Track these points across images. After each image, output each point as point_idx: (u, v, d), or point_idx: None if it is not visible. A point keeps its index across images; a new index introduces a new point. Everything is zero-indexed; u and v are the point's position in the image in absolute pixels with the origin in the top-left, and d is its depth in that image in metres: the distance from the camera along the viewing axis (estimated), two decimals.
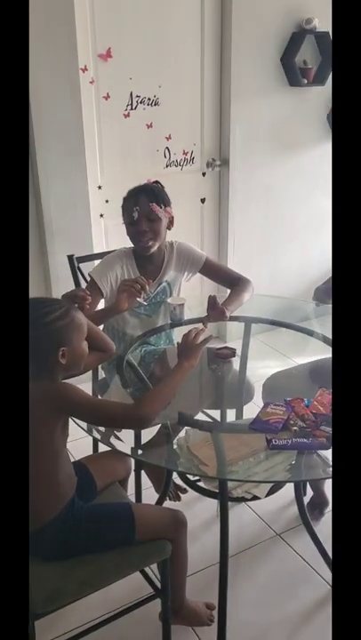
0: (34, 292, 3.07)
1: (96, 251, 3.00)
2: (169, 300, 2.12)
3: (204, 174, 3.44)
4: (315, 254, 3.87)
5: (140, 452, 1.78)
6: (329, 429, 1.48)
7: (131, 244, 2.18)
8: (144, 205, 2.07)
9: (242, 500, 1.83)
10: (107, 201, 3.12)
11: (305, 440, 1.47)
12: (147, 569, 1.78)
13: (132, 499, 2.23)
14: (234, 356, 2.04)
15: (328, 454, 1.57)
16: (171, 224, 2.17)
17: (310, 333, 2.15)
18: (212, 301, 2.00)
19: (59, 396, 1.46)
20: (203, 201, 3.49)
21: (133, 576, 1.67)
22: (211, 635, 1.84)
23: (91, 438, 2.10)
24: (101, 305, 2.16)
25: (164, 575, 1.67)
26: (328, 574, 2.08)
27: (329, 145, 3.68)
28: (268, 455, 1.55)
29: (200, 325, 1.83)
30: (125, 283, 1.94)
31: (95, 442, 2.34)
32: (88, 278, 2.18)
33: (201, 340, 1.67)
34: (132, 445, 1.78)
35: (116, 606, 1.80)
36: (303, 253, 3.85)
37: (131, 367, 2.00)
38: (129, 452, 1.79)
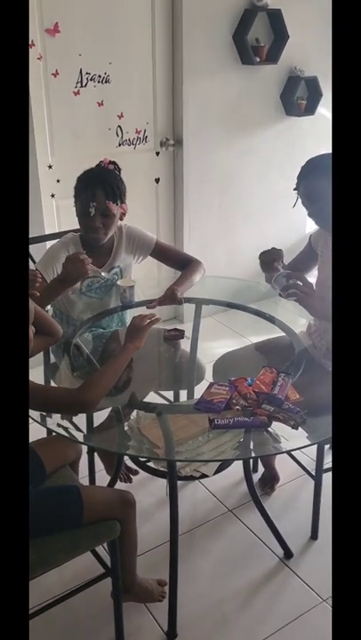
0: None
1: (48, 231, 2.97)
2: (118, 282, 2.12)
3: (157, 154, 3.41)
4: (271, 234, 3.89)
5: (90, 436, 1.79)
6: (270, 407, 1.52)
7: (78, 233, 2.16)
8: (101, 202, 2.04)
9: (190, 478, 1.86)
10: (58, 180, 3.07)
11: (246, 419, 1.50)
12: (98, 548, 1.80)
13: (85, 481, 2.25)
14: (182, 338, 2.06)
15: (278, 430, 1.61)
16: (123, 215, 2.16)
17: (262, 315, 2.17)
18: (169, 293, 2.03)
19: None
20: (157, 181, 3.47)
21: (85, 556, 1.70)
22: (163, 611, 1.88)
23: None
24: None
25: (113, 555, 1.69)
26: (277, 547, 2.14)
27: (282, 124, 3.70)
28: (216, 434, 1.58)
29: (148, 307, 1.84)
30: (69, 260, 1.93)
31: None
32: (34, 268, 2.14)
33: (147, 323, 1.68)
34: (84, 430, 1.79)
35: (69, 586, 1.82)
36: (259, 234, 3.87)
37: (79, 350, 2.00)
38: (81, 438, 1.80)
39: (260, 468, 2.47)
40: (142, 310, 2.10)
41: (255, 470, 2.49)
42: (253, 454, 1.88)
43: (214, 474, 1.88)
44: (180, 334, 2.04)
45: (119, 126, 3.22)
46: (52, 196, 3.09)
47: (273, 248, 2.07)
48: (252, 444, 1.63)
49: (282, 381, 1.62)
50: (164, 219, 3.59)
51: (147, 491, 2.37)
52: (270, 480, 2.42)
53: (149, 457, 1.75)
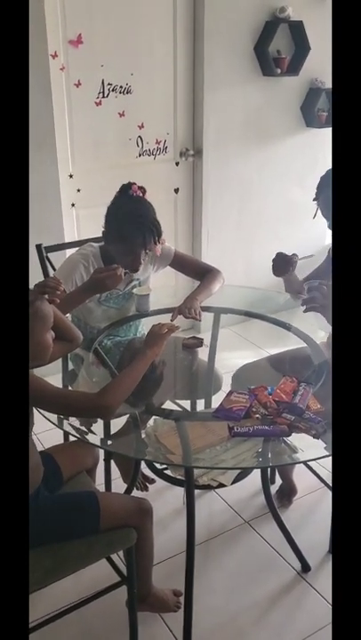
0: None
1: (67, 240, 2.98)
2: (134, 291, 2.12)
3: (177, 164, 3.43)
4: (290, 245, 3.86)
5: (109, 442, 1.78)
6: (291, 417, 1.50)
7: (97, 242, 2.16)
8: (150, 246, 2.04)
9: (208, 487, 1.85)
10: (78, 190, 3.10)
11: (267, 427, 1.48)
12: (113, 556, 1.79)
13: (102, 489, 2.24)
14: (200, 346, 2.04)
15: (296, 441, 1.60)
16: None
17: (281, 325, 2.16)
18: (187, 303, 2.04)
19: None
20: (176, 191, 3.48)
21: (100, 563, 1.69)
22: (178, 621, 1.86)
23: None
24: None
25: (129, 563, 1.68)
26: (294, 560, 2.11)
27: (303, 135, 3.70)
28: (234, 443, 1.56)
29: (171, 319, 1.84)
30: (99, 271, 1.92)
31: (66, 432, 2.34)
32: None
33: (166, 331, 1.68)
34: (102, 436, 1.78)
35: (84, 594, 1.80)
36: (278, 244, 3.84)
37: (97, 356, 2.00)
38: (98, 443, 1.79)
39: (278, 481, 2.44)
40: (160, 319, 2.10)
41: (273, 482, 2.46)
42: (272, 464, 1.85)
43: (232, 483, 1.86)
44: (198, 342, 2.03)
45: (140, 136, 3.24)
46: (73, 205, 3.12)
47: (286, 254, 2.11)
48: (269, 454, 1.61)
49: (303, 391, 1.61)
50: (183, 229, 3.60)
51: (164, 499, 2.35)
52: (288, 492, 2.39)
53: (167, 463, 1.73)
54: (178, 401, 2.31)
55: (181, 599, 1.89)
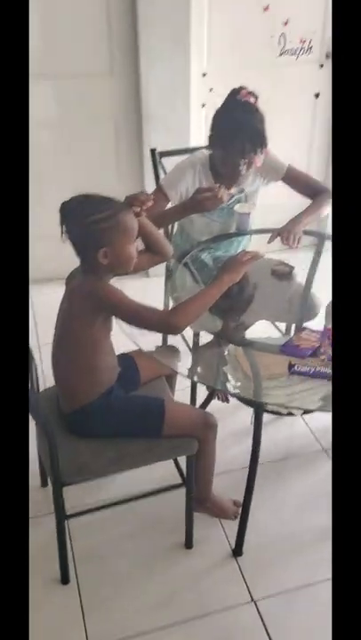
0: (129, 182, 3.12)
1: (193, 143, 2.94)
2: (235, 208, 2.07)
3: (321, 66, 3.16)
4: None
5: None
6: None
7: (207, 150, 2.10)
8: (250, 156, 1.95)
9: (277, 413, 1.86)
10: (211, 89, 2.99)
11: (328, 370, 1.44)
12: (182, 460, 1.90)
13: (185, 393, 2.33)
14: (289, 278, 1.98)
15: None
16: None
17: None
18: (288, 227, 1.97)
19: (98, 296, 1.54)
20: (317, 96, 3.24)
21: (168, 464, 1.81)
22: (235, 529, 1.96)
23: None
24: None
25: (188, 469, 1.78)
26: None
27: None
28: (297, 380, 1.54)
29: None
30: (200, 192, 1.89)
31: None
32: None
33: (247, 258, 1.65)
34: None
35: (147, 488, 1.95)
36: None
37: (186, 268, 2.02)
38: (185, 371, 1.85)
39: None
40: (263, 238, 2.05)
41: None
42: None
43: (303, 414, 1.86)
44: (288, 270, 1.97)
45: (283, 34, 3.01)
46: (203, 105, 3.03)
47: None
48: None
49: None
50: (320, 138, 3.37)
51: (243, 414, 2.41)
52: None
53: (239, 397, 1.77)
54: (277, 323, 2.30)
55: (240, 510, 1.98)
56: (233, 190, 2.09)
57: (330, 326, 1.59)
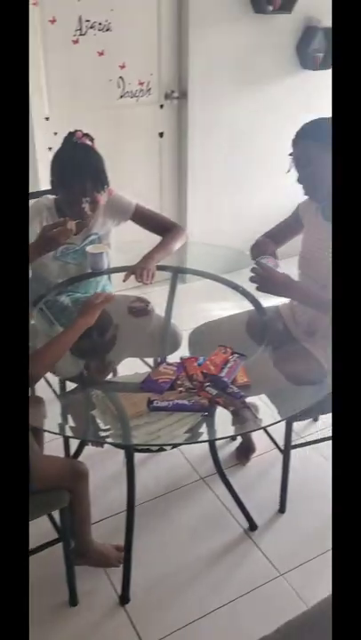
0: None
1: (43, 187, 2.91)
2: (88, 249, 2.07)
3: (161, 106, 3.29)
4: (280, 195, 3.75)
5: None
6: (213, 390, 1.48)
7: (51, 195, 2.11)
8: (92, 195, 1.97)
9: (148, 451, 1.86)
10: (55, 133, 2.99)
11: (186, 402, 1.46)
12: (55, 514, 1.82)
13: (56, 444, 2.25)
14: (147, 314, 2.01)
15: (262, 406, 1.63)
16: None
17: (232, 285, 2.11)
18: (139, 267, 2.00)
19: None
20: (161, 135, 3.36)
21: (43, 521, 1.74)
22: (120, 575, 1.91)
23: None
24: None
25: (63, 522, 1.72)
26: (244, 519, 2.14)
27: (298, 77, 3.50)
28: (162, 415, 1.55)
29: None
30: (47, 229, 1.88)
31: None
32: None
33: (100, 301, 1.65)
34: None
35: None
36: (271, 192, 3.73)
37: (41, 312, 1.99)
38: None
39: (239, 437, 2.45)
40: (120, 277, 2.07)
41: (234, 438, 2.47)
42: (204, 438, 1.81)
43: (172, 447, 1.87)
44: (144, 306, 2.00)
45: (121, 77, 3.10)
46: (50, 149, 3.02)
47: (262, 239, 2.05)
48: (204, 425, 1.60)
49: (233, 363, 1.57)
50: (168, 175, 3.49)
51: (121, 455, 2.38)
52: (246, 450, 2.41)
53: (109, 443, 1.75)
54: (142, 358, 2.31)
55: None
56: (83, 235, 2.10)
57: (186, 356, 1.62)
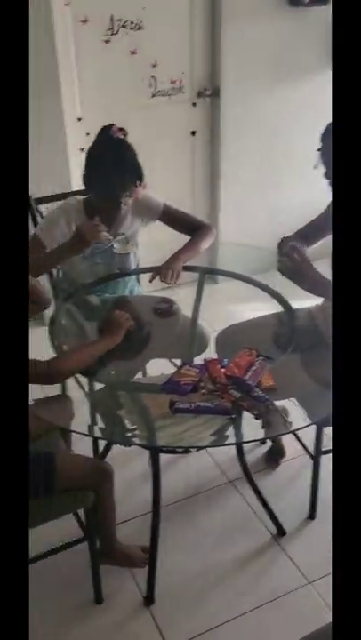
0: None
1: (75, 187, 2.92)
2: (114, 249, 2.06)
3: (194, 105, 3.26)
4: (315, 194, 3.67)
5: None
6: (237, 393, 1.45)
7: (81, 195, 2.10)
8: (130, 189, 1.97)
9: (174, 452, 1.84)
10: (87, 134, 2.99)
11: (209, 405, 1.44)
12: (81, 513, 1.83)
13: (86, 442, 2.26)
14: (172, 315, 1.99)
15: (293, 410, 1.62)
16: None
17: (262, 287, 2.07)
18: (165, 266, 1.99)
19: None
20: (193, 133, 3.33)
21: (69, 519, 1.75)
22: (146, 576, 1.91)
23: None
24: None
25: (88, 522, 1.72)
26: (271, 525, 2.11)
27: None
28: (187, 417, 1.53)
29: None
30: (79, 229, 1.88)
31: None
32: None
33: (125, 320, 1.69)
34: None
35: (49, 546, 1.86)
36: (303, 189, 3.66)
37: (69, 311, 2.00)
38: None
39: (269, 441, 2.41)
40: (146, 277, 2.06)
41: (263, 442, 2.43)
42: (230, 441, 1.78)
43: (197, 450, 1.85)
44: (169, 308, 1.98)
45: (153, 76, 3.08)
46: (82, 150, 3.03)
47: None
48: (231, 428, 1.57)
49: (258, 366, 1.54)
50: (200, 174, 3.46)
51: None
52: (276, 454, 2.37)
53: (125, 442, 1.74)
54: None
55: None
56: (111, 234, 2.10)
57: (212, 357, 1.60)
